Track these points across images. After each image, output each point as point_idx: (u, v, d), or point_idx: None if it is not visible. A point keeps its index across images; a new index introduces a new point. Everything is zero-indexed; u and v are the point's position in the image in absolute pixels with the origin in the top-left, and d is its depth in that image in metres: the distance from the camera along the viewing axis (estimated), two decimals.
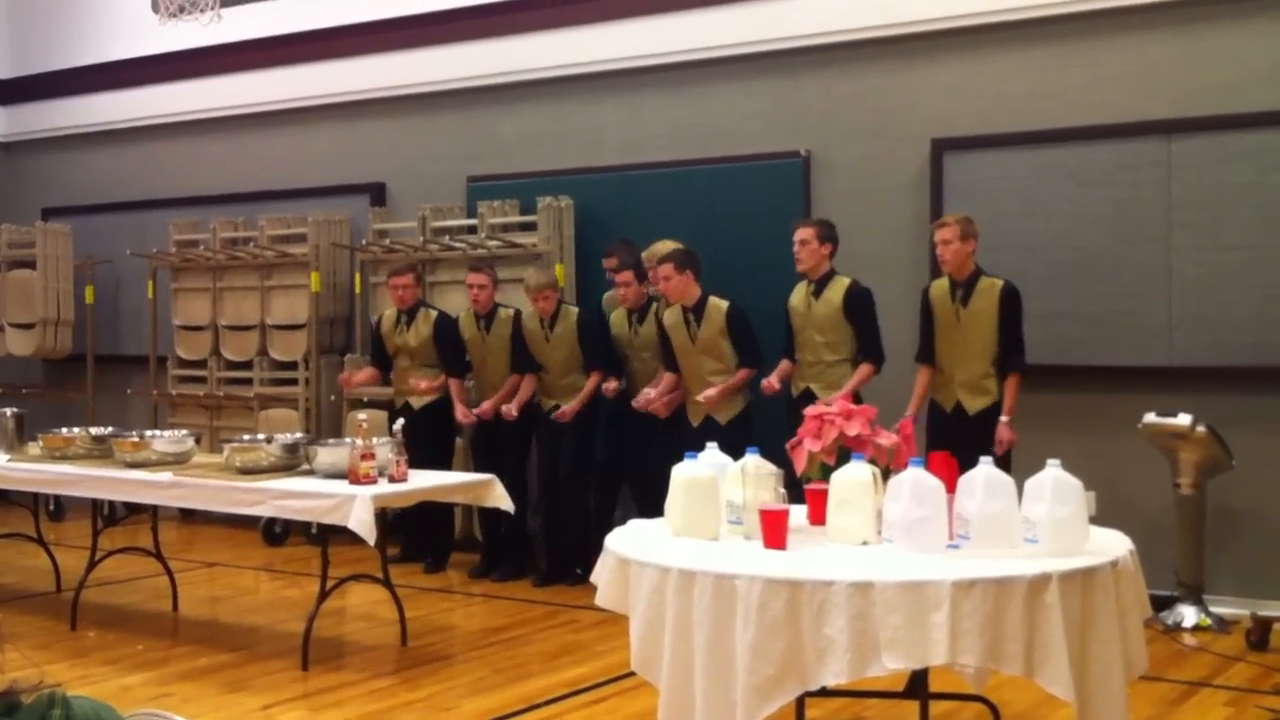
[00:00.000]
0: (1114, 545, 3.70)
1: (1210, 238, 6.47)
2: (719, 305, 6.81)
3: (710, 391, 6.69)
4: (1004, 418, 6.13)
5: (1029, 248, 6.84)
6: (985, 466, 3.70)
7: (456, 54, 8.74)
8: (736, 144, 7.78)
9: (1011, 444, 6.09)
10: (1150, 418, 6.16)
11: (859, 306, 6.52)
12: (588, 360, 7.26)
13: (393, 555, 7.17)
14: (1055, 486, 3.62)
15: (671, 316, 6.94)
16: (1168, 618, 6.08)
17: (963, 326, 6.26)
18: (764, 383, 6.61)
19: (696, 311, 6.83)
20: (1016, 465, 3.79)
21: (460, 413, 7.51)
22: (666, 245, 7.01)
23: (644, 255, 7.14)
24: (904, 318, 6.85)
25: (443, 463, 7.33)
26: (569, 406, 7.19)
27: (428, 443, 7.20)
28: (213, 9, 7.83)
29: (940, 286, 6.37)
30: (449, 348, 7.62)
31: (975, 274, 6.26)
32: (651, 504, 5.33)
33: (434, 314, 7.70)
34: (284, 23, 9.50)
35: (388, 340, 7.75)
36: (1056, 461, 3.68)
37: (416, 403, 7.56)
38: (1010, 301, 6.19)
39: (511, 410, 7.31)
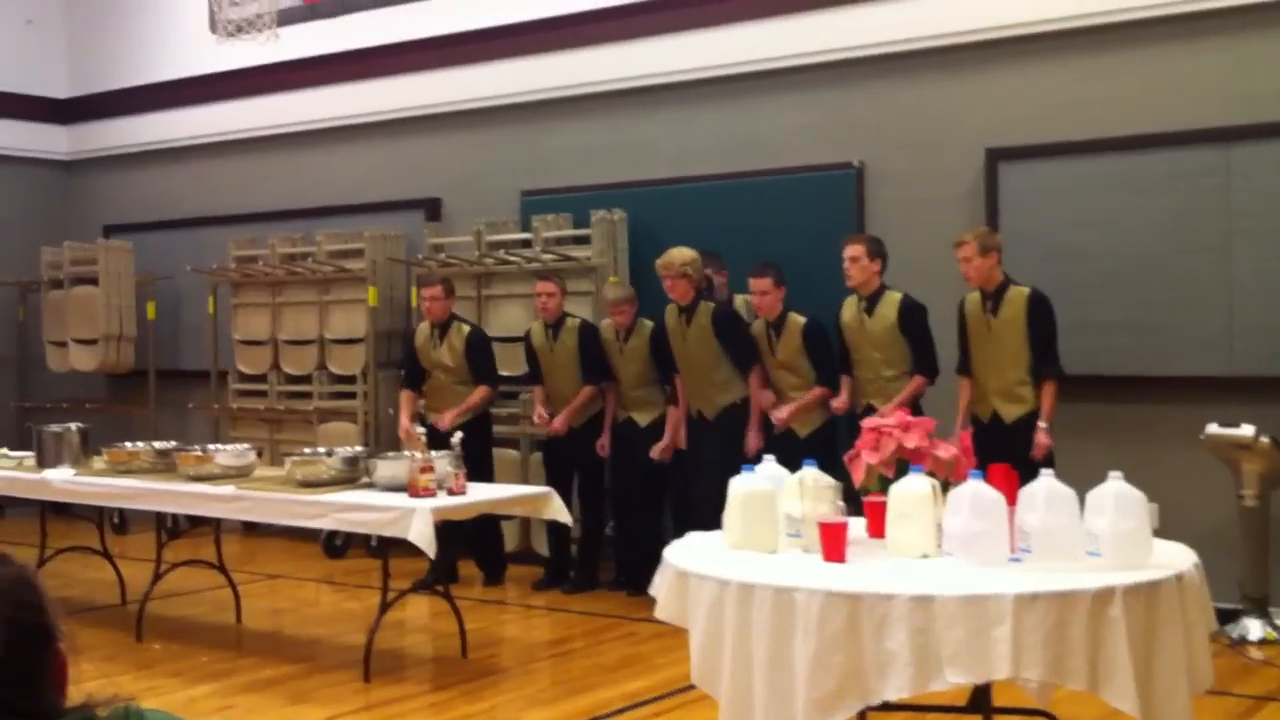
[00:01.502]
0: (1178, 558, 3.67)
1: (1271, 246, 6.40)
2: (797, 320, 6.84)
3: (780, 414, 6.72)
4: (1041, 424, 6.13)
5: (1085, 257, 6.80)
6: (1046, 479, 3.68)
7: (509, 69, 8.81)
8: (789, 156, 7.78)
9: (1049, 450, 6.08)
10: (1212, 428, 6.10)
11: (913, 321, 6.55)
12: (660, 372, 7.30)
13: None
14: (1118, 499, 3.59)
15: (757, 328, 7.01)
16: (1233, 631, 6.02)
17: (994, 336, 6.29)
18: (835, 405, 6.70)
19: (777, 326, 6.88)
20: (1080, 478, 3.75)
21: (539, 416, 7.54)
22: (684, 253, 6.94)
23: (658, 264, 7.03)
24: (956, 329, 6.83)
25: (484, 476, 7.29)
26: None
27: (466, 459, 7.13)
28: (270, 28, 7.94)
29: (973, 299, 6.41)
30: (485, 362, 7.63)
31: (1004, 284, 6.29)
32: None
33: (466, 329, 7.69)
34: (339, 41, 9.60)
35: (422, 354, 7.74)
36: (1119, 474, 3.66)
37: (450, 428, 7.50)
38: (1038, 309, 6.22)
39: (559, 424, 7.35)
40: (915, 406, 6.20)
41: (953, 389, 6.59)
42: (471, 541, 7.68)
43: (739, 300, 7.35)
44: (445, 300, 7.65)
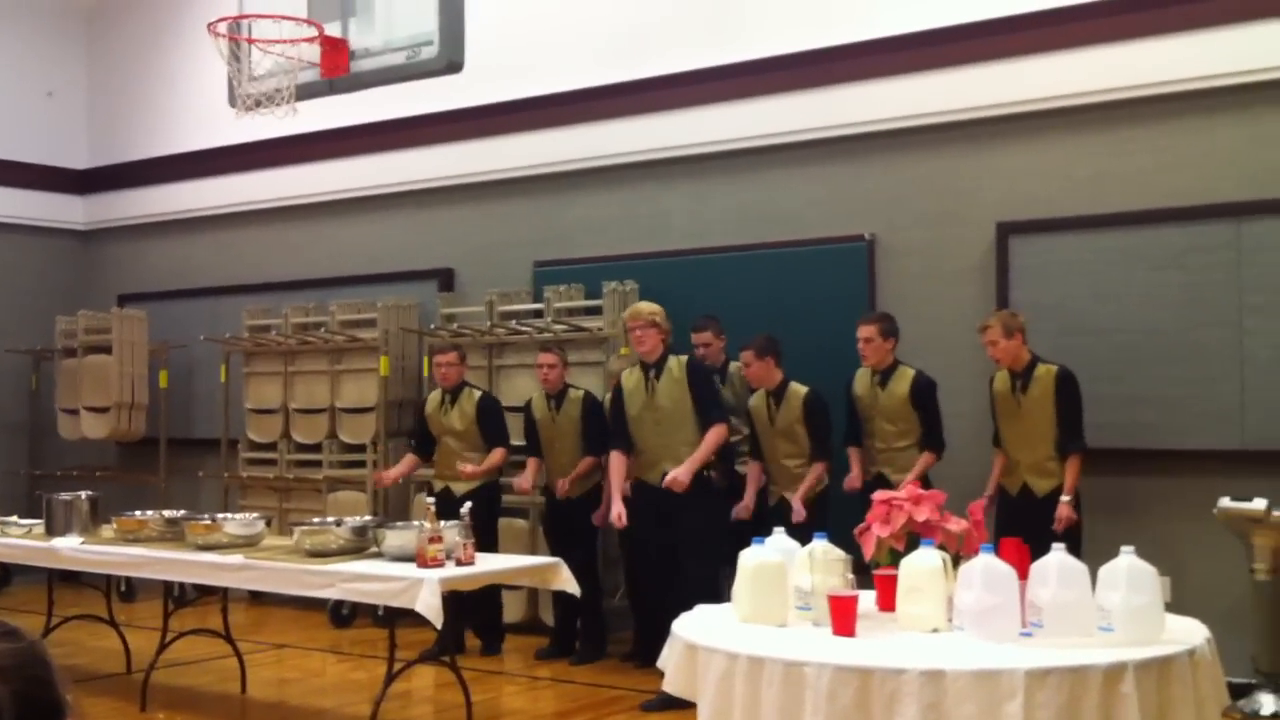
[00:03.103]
0: (1191, 633, 3.64)
1: None
2: (798, 391, 6.89)
3: (797, 506, 6.70)
4: (1065, 497, 6.24)
5: (1098, 331, 6.80)
6: (1058, 554, 3.66)
7: (524, 142, 8.89)
8: (801, 228, 7.82)
9: (1071, 522, 6.17)
10: (1225, 502, 6.07)
11: (925, 397, 6.68)
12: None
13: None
14: (1130, 574, 3.57)
15: (756, 399, 7.03)
16: (1246, 706, 5.95)
17: (1023, 414, 6.41)
18: (847, 483, 6.75)
19: (777, 395, 6.92)
20: (1090, 551, 3.74)
21: (522, 485, 7.54)
22: (650, 305, 6.75)
23: (625, 315, 6.91)
24: (970, 401, 6.85)
25: (489, 545, 7.25)
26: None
27: (474, 527, 7.12)
28: (288, 102, 8.03)
29: (1002, 377, 6.54)
30: (497, 424, 7.64)
31: (1032, 362, 6.42)
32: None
33: (477, 394, 7.73)
34: (356, 114, 9.71)
35: (432, 421, 7.77)
36: (1130, 549, 3.64)
37: (458, 487, 7.49)
38: (1066, 386, 6.35)
39: (564, 486, 7.35)
40: (924, 480, 6.24)
41: (963, 458, 6.71)
42: (472, 610, 7.62)
43: (734, 366, 7.37)
44: (459, 366, 7.71)
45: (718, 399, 6.76)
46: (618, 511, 6.59)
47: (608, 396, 7.19)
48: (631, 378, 6.71)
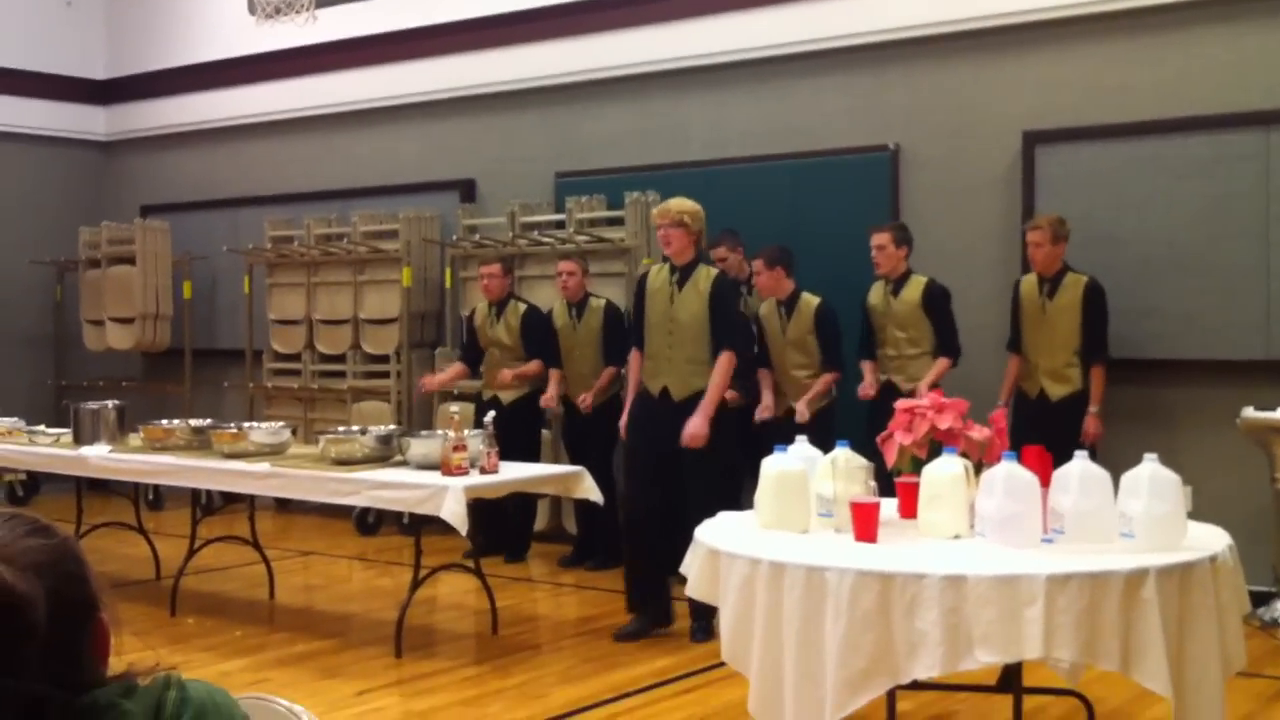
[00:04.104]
0: (1212, 541, 3.65)
1: None
2: (810, 302, 6.91)
3: (801, 408, 6.74)
4: (1093, 409, 6.36)
5: (1122, 242, 6.76)
6: (1080, 461, 3.67)
7: (544, 52, 8.81)
8: (823, 139, 7.76)
9: (1099, 437, 6.26)
10: (1248, 412, 6.06)
11: (937, 303, 6.73)
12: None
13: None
14: (1153, 482, 3.58)
15: (766, 308, 7.03)
16: (1265, 614, 5.99)
17: (1048, 319, 6.50)
18: (861, 391, 6.76)
19: (789, 306, 6.92)
20: (1114, 461, 3.74)
21: (546, 399, 7.58)
22: (683, 202, 5.95)
23: (654, 211, 6.25)
24: (993, 312, 6.84)
25: (531, 456, 7.37)
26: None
27: (515, 437, 7.20)
28: (308, 9, 7.97)
29: (1029, 281, 6.61)
30: (540, 338, 7.67)
31: (1062, 270, 6.51)
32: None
33: (523, 307, 7.76)
34: (376, 23, 9.62)
35: (480, 334, 7.83)
36: (1154, 456, 3.65)
37: (505, 397, 7.60)
38: (1095, 297, 6.44)
39: (587, 401, 7.41)
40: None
41: (985, 368, 6.73)
42: (510, 518, 7.72)
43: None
44: (502, 279, 7.76)
45: (738, 324, 6.10)
46: (623, 421, 6.14)
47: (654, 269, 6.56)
48: (658, 278, 6.00)
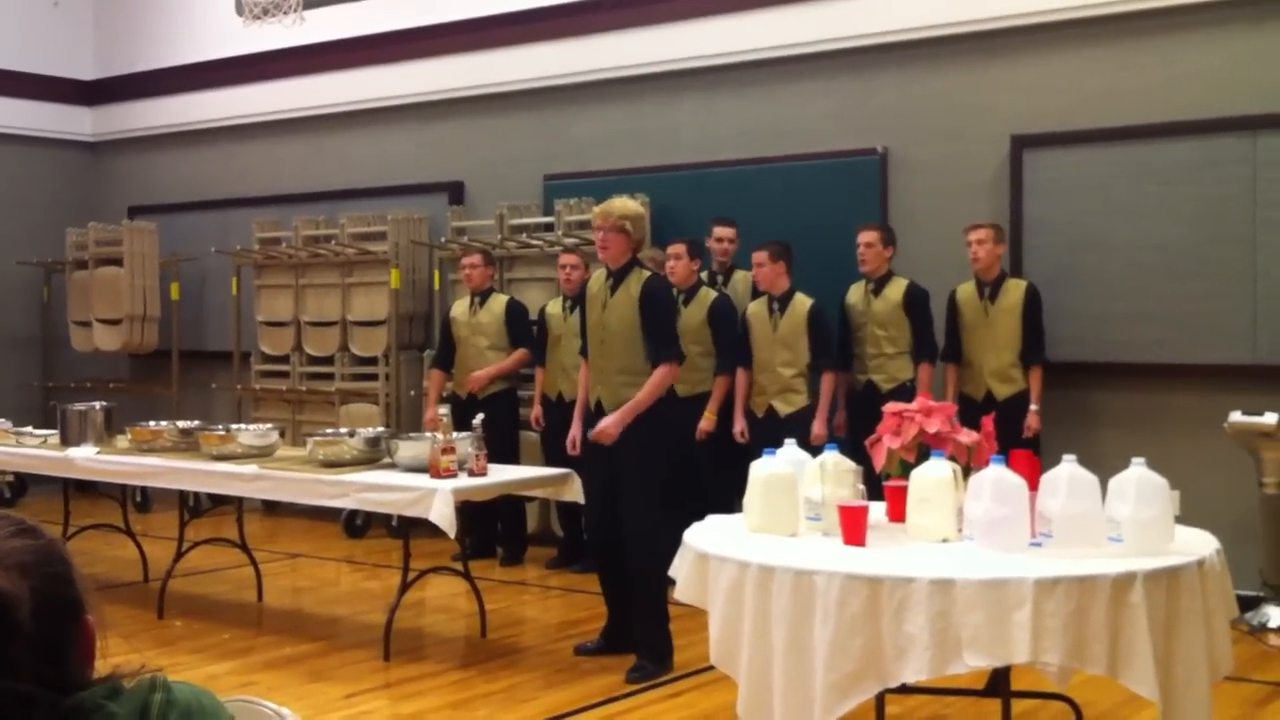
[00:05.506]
0: (1200, 545, 3.67)
1: None
2: (804, 301, 6.92)
3: (818, 429, 6.68)
4: (1034, 407, 6.55)
5: (1110, 246, 6.78)
6: (1068, 465, 3.68)
7: (533, 54, 8.80)
8: (812, 142, 7.77)
9: (1037, 432, 6.46)
10: (1235, 416, 6.08)
11: (918, 305, 6.86)
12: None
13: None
14: (1140, 486, 3.59)
15: (756, 306, 7.03)
16: (1253, 619, 6.01)
17: (990, 322, 6.72)
18: (814, 436, 6.51)
19: (782, 303, 6.93)
20: (1102, 465, 3.75)
21: (534, 416, 7.66)
22: (626, 204, 5.56)
23: (594, 211, 5.74)
24: None
25: (510, 456, 7.32)
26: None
27: (495, 436, 7.01)
28: (295, 11, 7.95)
29: (967, 289, 6.83)
30: (526, 329, 7.73)
31: (1001, 275, 6.74)
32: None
33: (505, 297, 7.88)
34: (364, 24, 9.61)
35: (458, 325, 7.82)
36: (1141, 460, 3.65)
37: (481, 395, 7.62)
38: (1035, 299, 6.67)
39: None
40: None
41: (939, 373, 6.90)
42: (489, 522, 7.74)
43: (739, 275, 7.37)
44: (484, 269, 7.83)
45: (671, 333, 5.58)
46: (572, 436, 5.76)
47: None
48: (596, 283, 5.62)
